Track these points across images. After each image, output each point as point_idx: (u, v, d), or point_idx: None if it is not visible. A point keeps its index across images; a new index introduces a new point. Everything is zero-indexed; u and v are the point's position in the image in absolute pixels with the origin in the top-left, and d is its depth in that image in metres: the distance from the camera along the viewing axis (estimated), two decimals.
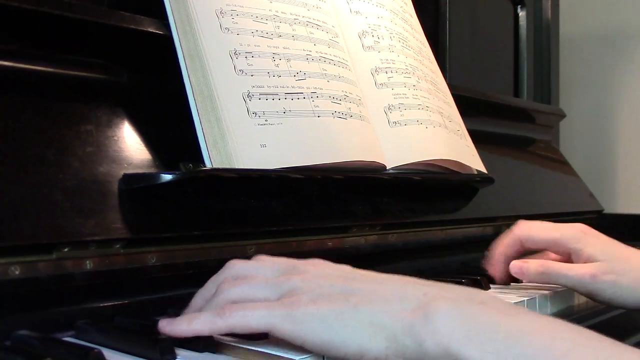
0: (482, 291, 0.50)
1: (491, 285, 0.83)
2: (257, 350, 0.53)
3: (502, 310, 0.46)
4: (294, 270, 0.55)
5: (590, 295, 0.76)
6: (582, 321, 0.77)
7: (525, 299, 0.76)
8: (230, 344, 0.54)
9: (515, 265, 0.79)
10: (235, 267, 0.58)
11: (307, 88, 0.79)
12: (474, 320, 0.45)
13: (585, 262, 0.76)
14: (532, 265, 0.78)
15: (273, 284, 0.53)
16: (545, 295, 0.79)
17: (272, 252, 0.76)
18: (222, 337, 0.55)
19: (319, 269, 0.55)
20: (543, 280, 0.78)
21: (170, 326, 0.53)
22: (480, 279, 0.82)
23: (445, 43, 1.29)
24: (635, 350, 0.44)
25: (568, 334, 0.44)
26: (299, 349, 0.51)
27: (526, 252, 0.84)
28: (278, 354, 0.52)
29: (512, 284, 0.84)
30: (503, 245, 0.83)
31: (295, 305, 0.49)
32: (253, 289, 0.54)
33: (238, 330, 0.51)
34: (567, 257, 0.79)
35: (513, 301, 0.74)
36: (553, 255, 0.82)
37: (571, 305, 0.82)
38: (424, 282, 0.52)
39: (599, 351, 0.43)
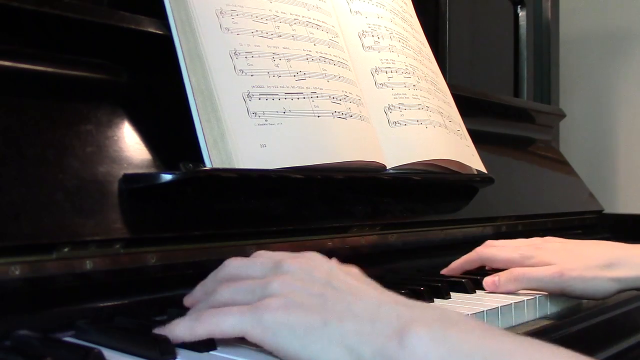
0: (455, 312, 0.50)
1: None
2: (257, 350, 0.53)
3: (476, 332, 0.45)
4: (279, 269, 0.55)
5: (563, 293, 0.79)
6: (580, 322, 0.77)
7: (526, 299, 0.76)
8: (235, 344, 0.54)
9: (488, 282, 0.81)
10: (230, 266, 0.59)
11: (307, 88, 0.79)
12: (448, 344, 0.44)
13: None
14: (502, 277, 0.81)
15: (256, 286, 0.54)
16: (545, 296, 0.79)
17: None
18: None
19: (303, 268, 0.54)
20: (516, 287, 0.80)
21: (162, 331, 0.54)
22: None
23: (445, 43, 1.29)
24: None
25: (546, 355, 0.44)
26: None
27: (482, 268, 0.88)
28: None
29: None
30: (465, 261, 0.88)
31: (265, 310, 0.50)
32: (238, 293, 0.54)
33: (217, 335, 0.52)
34: None
35: (513, 302, 0.74)
36: None
37: (569, 306, 0.82)
38: (401, 300, 0.51)
39: None
